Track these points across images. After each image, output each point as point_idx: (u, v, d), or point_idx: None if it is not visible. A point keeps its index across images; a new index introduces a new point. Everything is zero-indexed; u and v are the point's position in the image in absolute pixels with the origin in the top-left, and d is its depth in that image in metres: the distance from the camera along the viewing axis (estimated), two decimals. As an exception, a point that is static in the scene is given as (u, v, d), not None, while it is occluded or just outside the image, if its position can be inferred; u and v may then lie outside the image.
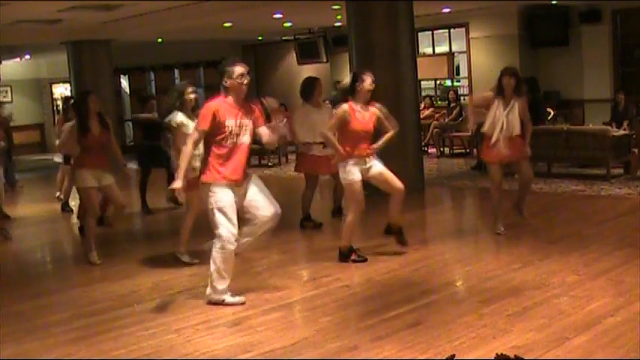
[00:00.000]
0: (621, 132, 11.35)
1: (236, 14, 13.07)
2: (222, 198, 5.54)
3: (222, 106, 5.58)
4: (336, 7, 12.47)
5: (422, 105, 15.07)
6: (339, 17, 14.35)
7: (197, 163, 6.20)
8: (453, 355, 4.07)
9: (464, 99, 16.15)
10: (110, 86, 16.29)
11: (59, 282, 7.00)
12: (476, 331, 4.79)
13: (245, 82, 5.59)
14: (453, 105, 15.49)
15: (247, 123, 5.65)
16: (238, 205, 5.66)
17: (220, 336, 5.04)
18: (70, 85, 17.05)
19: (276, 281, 6.36)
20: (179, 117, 6.98)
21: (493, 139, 7.45)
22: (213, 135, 5.58)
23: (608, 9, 14.10)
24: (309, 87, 8.35)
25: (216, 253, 5.63)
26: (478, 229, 8.61)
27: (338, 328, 5.06)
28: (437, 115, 15.73)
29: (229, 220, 5.55)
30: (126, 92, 20.77)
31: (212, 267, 5.67)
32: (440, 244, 7.60)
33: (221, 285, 5.69)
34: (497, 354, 3.75)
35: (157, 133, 9.78)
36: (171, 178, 10.19)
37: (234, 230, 5.58)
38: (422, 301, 5.54)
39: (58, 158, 11.45)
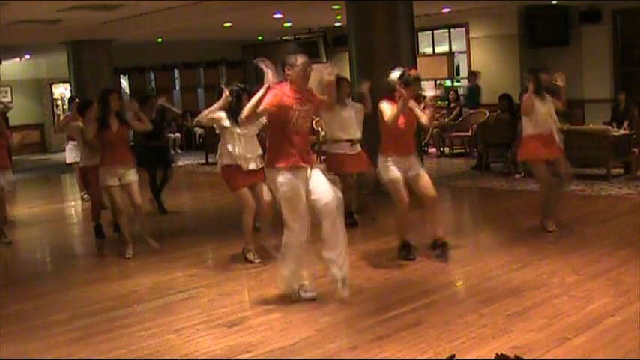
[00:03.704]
0: (621, 132, 11.35)
1: (236, 14, 13.08)
2: (290, 185, 5.57)
3: (287, 92, 5.62)
4: (336, 7, 12.47)
5: (422, 105, 15.05)
6: (339, 17, 14.37)
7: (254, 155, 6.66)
8: (453, 355, 4.07)
9: (464, 99, 16.17)
10: (110, 86, 16.27)
11: (59, 282, 6.99)
12: (476, 331, 4.79)
13: (308, 69, 5.64)
14: (453, 105, 15.49)
15: (308, 109, 5.70)
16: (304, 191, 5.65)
17: (220, 336, 5.04)
18: (70, 85, 17.05)
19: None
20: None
21: (557, 137, 7.50)
22: (279, 121, 5.62)
23: (608, 9, 14.12)
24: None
25: (286, 242, 5.65)
26: (478, 229, 8.61)
27: (338, 328, 5.06)
28: (437, 115, 15.71)
29: (297, 208, 5.56)
30: (126, 92, 20.76)
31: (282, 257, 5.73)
32: (440, 244, 7.59)
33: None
34: (497, 354, 3.75)
35: (157, 134, 9.75)
36: (164, 181, 10.16)
37: (304, 221, 5.57)
38: (422, 301, 5.53)
39: (71, 159, 11.36)
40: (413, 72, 6.68)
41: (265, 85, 5.55)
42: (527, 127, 7.57)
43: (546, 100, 7.52)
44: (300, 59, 5.64)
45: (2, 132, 8.96)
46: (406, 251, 6.76)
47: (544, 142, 7.47)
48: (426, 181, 6.74)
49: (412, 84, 6.58)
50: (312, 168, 5.72)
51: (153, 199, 10.10)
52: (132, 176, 7.66)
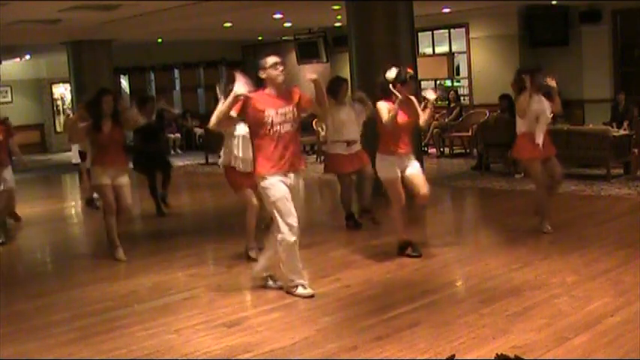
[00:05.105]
0: (621, 132, 11.35)
1: (236, 14, 13.09)
2: (276, 189, 5.63)
3: (261, 96, 5.66)
4: (336, 7, 12.48)
5: (422, 105, 15.05)
6: (339, 17, 14.37)
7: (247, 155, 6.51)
8: (453, 355, 4.07)
9: (464, 99, 16.18)
10: (110, 86, 16.26)
11: (59, 282, 6.99)
12: (476, 331, 4.79)
13: (279, 69, 5.65)
14: (453, 105, 15.50)
15: (289, 111, 5.69)
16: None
17: (220, 336, 5.03)
18: (70, 85, 17.05)
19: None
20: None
21: (538, 137, 7.42)
22: (255, 126, 5.67)
23: (608, 9, 14.12)
24: (334, 87, 8.26)
25: (278, 246, 5.74)
26: (478, 229, 8.62)
27: (338, 328, 5.05)
28: (437, 115, 15.73)
29: (287, 210, 5.62)
30: (126, 92, 20.78)
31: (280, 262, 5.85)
32: (440, 244, 7.60)
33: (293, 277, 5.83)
34: (497, 354, 3.74)
35: (155, 137, 9.73)
36: (166, 182, 10.14)
37: (293, 221, 5.64)
38: (422, 301, 5.53)
39: (75, 159, 11.38)
40: (409, 70, 6.74)
41: (232, 93, 5.56)
42: (521, 126, 7.57)
43: (541, 99, 7.52)
44: (269, 59, 5.69)
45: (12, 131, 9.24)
46: (411, 249, 6.80)
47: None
48: (420, 178, 6.74)
49: (409, 82, 6.64)
50: (298, 174, 5.78)
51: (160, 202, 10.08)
52: (124, 179, 7.58)
